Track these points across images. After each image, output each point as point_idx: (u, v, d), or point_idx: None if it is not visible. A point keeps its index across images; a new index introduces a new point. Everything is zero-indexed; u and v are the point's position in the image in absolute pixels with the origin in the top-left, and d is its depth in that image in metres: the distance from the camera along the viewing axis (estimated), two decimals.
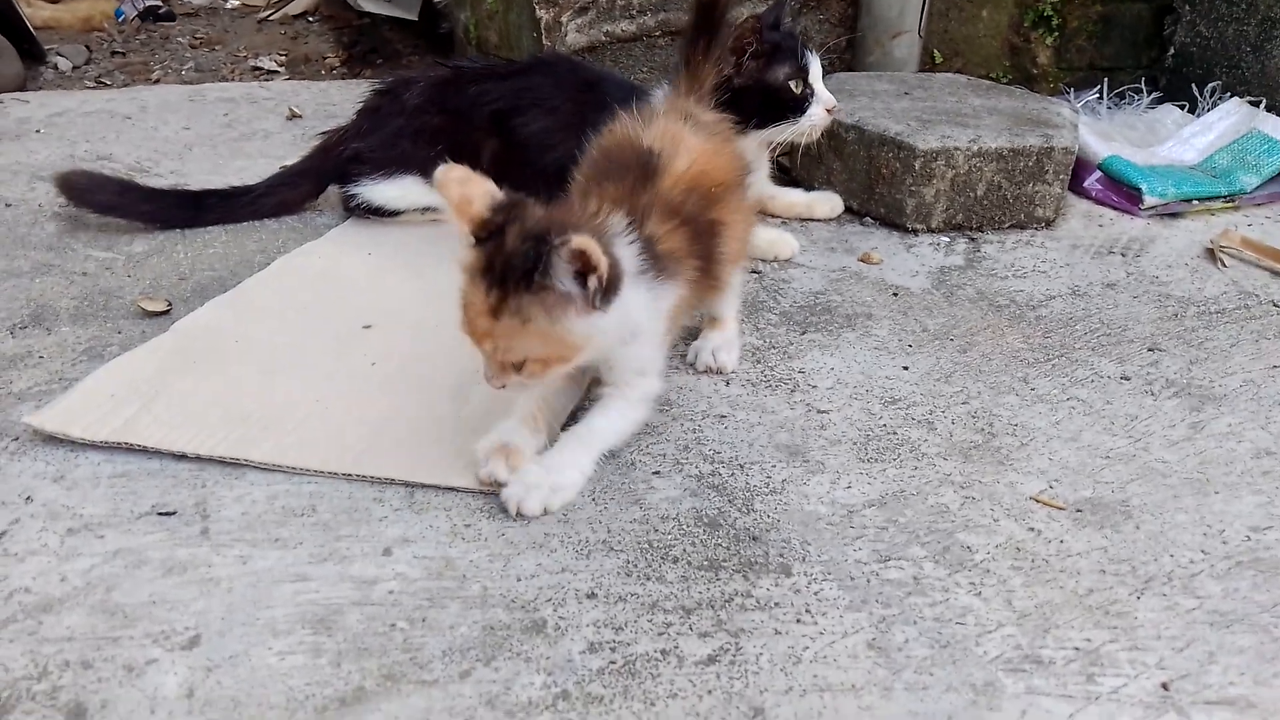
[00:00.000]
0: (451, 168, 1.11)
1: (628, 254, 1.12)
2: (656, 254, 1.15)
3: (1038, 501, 1.21)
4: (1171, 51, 2.57)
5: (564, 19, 2.27)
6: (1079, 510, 1.20)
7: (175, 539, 1.09)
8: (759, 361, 1.50)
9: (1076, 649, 1.00)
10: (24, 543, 1.08)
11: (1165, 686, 0.96)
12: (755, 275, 1.79)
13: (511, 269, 1.05)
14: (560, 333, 1.08)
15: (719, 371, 1.46)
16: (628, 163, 1.21)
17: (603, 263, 1.02)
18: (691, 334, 1.50)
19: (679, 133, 1.25)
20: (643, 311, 1.15)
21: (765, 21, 1.73)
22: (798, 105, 1.75)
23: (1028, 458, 1.30)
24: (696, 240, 1.21)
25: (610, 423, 1.22)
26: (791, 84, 1.74)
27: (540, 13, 2.27)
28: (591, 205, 1.16)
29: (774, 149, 1.90)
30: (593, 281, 1.04)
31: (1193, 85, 2.44)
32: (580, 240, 1.01)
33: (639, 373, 1.22)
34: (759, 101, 1.73)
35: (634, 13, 2.31)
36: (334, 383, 1.37)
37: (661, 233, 1.17)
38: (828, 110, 1.78)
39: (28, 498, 1.15)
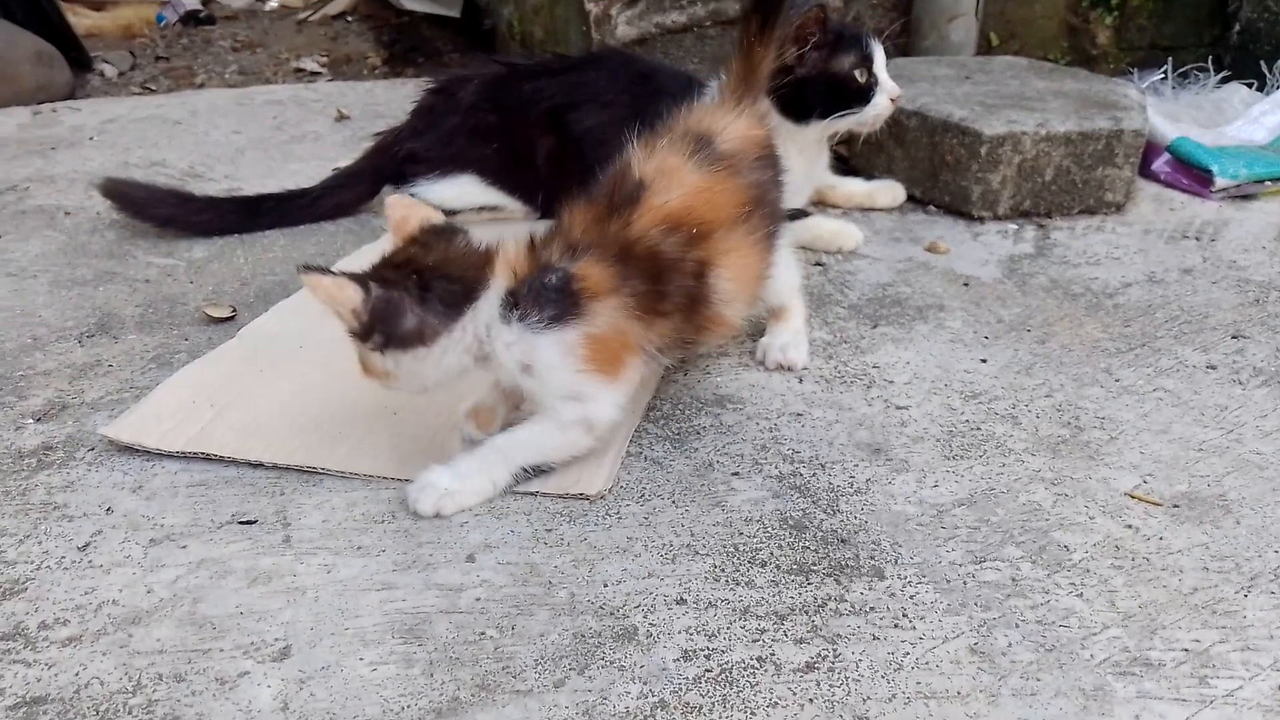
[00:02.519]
0: (401, 197, 1.22)
1: (486, 306, 1.12)
2: (570, 292, 1.11)
3: (1133, 497, 1.18)
4: (1237, 28, 2.50)
5: (613, 11, 2.25)
6: (1176, 505, 1.16)
7: (258, 548, 1.09)
8: (830, 357, 1.47)
9: (1186, 650, 0.96)
10: (108, 554, 1.08)
11: None
12: (819, 268, 1.76)
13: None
14: (364, 355, 1.14)
15: (789, 369, 1.43)
16: (616, 188, 1.19)
17: (351, 323, 1.09)
18: (758, 329, 1.48)
19: (677, 167, 1.19)
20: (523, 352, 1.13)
21: (828, 10, 1.70)
22: (862, 95, 1.71)
23: (1118, 452, 1.26)
24: (652, 279, 1.15)
25: (533, 437, 1.17)
26: (856, 73, 1.70)
27: (589, 5, 2.25)
28: (506, 246, 1.17)
29: (833, 138, 1.87)
30: (354, 328, 1.10)
31: (1260, 62, 2.37)
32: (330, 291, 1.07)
33: (567, 398, 1.15)
34: (823, 92, 1.70)
35: (684, 3, 2.28)
36: None
37: (589, 271, 1.12)
38: (892, 99, 1.74)
39: (108, 509, 1.15)
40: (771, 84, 1.70)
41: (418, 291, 1.10)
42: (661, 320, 1.17)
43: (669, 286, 1.16)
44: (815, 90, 1.70)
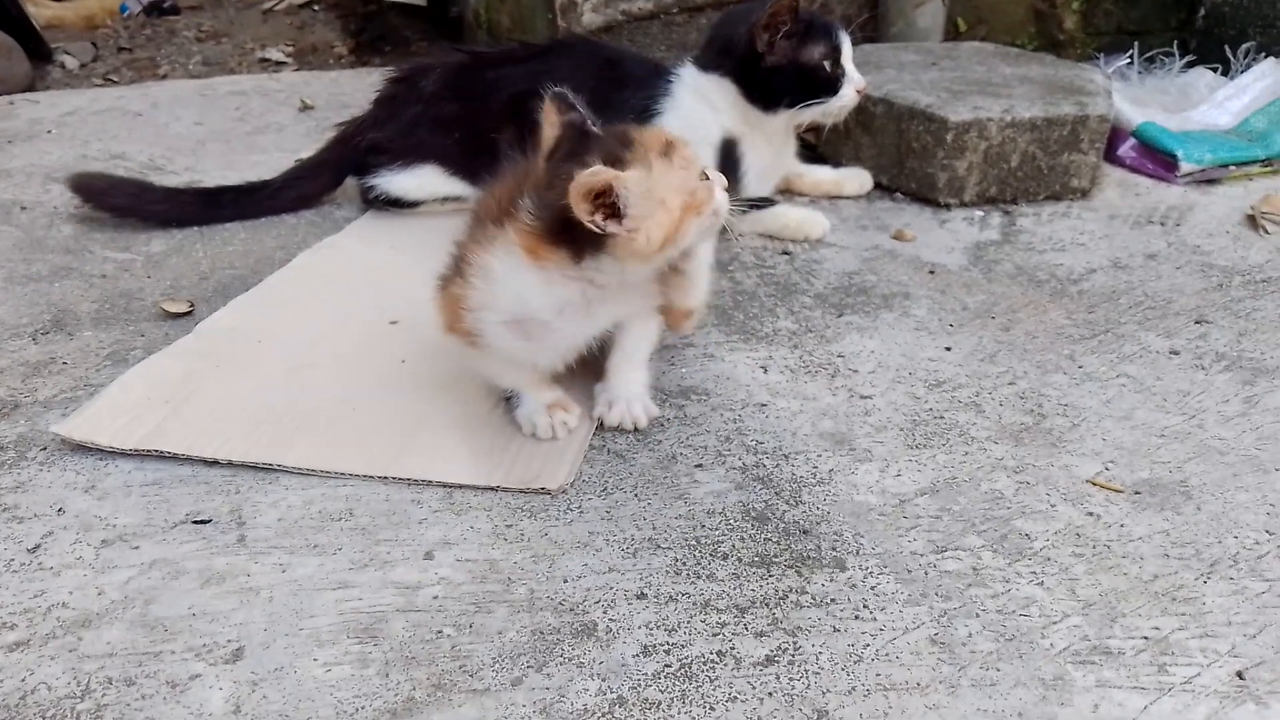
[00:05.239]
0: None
1: None
2: None
3: (1095, 485, 1.18)
4: (1202, 12, 2.51)
5: None
6: (1137, 492, 1.17)
7: (212, 548, 1.07)
8: (796, 346, 1.47)
9: (1145, 638, 0.96)
10: (59, 556, 1.06)
11: (1240, 675, 0.92)
12: (786, 256, 1.75)
13: None
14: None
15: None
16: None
17: None
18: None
19: None
20: None
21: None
22: (830, 85, 1.71)
23: (1080, 439, 1.26)
24: None
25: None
26: (825, 64, 1.70)
27: None
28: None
29: (799, 126, 1.86)
30: None
31: (1225, 46, 2.38)
32: None
33: None
34: (792, 81, 1.70)
35: None
36: (364, 382, 1.34)
37: None
38: (858, 91, 1.74)
39: (59, 509, 1.13)
40: (742, 72, 1.71)
41: None
42: None
43: None
44: (784, 79, 1.69)
